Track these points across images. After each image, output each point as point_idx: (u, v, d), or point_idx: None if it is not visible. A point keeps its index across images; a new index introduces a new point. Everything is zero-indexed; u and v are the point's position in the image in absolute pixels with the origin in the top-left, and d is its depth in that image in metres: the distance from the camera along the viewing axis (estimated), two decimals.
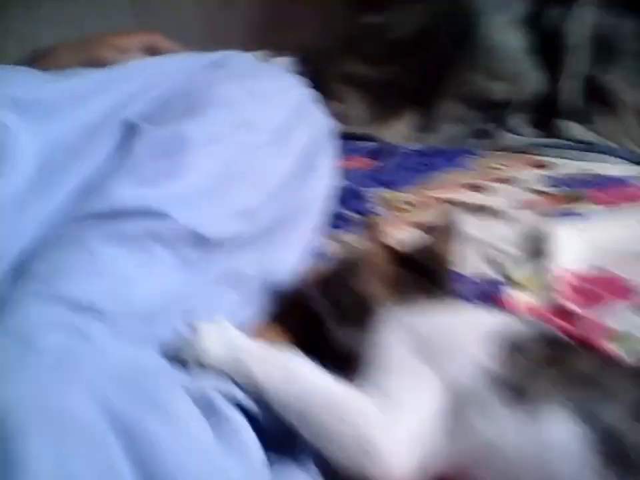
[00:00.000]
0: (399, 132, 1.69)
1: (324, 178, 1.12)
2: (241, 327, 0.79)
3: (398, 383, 0.71)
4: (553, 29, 1.61)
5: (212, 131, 0.90)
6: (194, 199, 0.83)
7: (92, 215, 0.78)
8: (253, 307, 0.90)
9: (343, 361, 0.76)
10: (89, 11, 1.93)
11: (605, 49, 1.55)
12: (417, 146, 1.62)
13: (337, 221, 1.23)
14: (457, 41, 1.68)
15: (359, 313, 0.82)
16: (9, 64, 1.01)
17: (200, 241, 0.82)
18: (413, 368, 0.71)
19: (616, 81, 1.53)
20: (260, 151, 0.96)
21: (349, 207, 1.29)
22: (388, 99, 1.74)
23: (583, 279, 1.02)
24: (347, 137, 1.69)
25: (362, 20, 1.81)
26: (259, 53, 1.98)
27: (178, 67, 1.04)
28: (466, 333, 0.73)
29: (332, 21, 1.92)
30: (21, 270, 0.73)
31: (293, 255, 1.00)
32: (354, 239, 1.15)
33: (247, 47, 1.99)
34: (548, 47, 1.61)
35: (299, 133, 1.04)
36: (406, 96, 1.73)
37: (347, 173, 1.46)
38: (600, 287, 1.01)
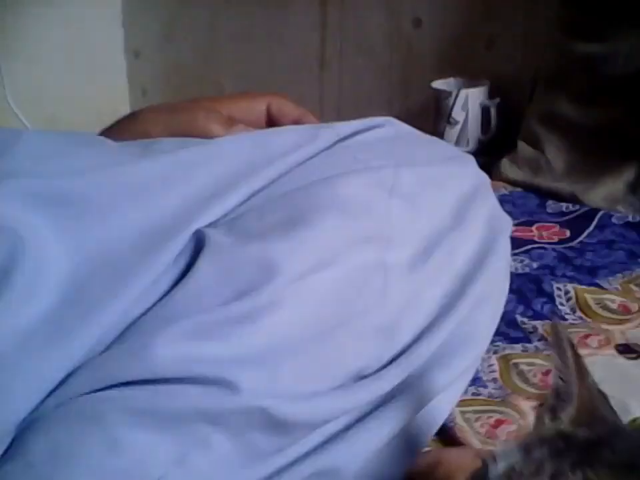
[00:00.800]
0: (611, 194, 1.32)
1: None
2: None
3: None
4: None
5: (319, 252, 0.62)
6: (271, 360, 0.56)
7: (117, 379, 0.53)
8: None
9: None
10: None
11: None
12: (632, 216, 1.25)
13: (509, 330, 0.91)
14: None
15: None
16: None
17: (274, 422, 0.55)
18: None
19: None
20: (395, 273, 0.66)
21: (528, 306, 0.97)
22: (600, 150, 1.38)
23: None
24: (539, 192, 1.37)
25: (576, 48, 1.45)
26: (449, 80, 1.70)
27: (294, 145, 0.72)
28: None
29: (537, 46, 1.59)
30: (14, 452, 0.49)
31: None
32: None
33: (436, 72, 1.73)
34: None
35: (462, 242, 0.73)
36: (626, 147, 1.35)
37: (533, 249, 1.14)
38: None
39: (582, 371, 0.52)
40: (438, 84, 1.68)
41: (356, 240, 0.64)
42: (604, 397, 0.53)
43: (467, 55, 1.77)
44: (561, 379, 0.53)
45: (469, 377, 0.77)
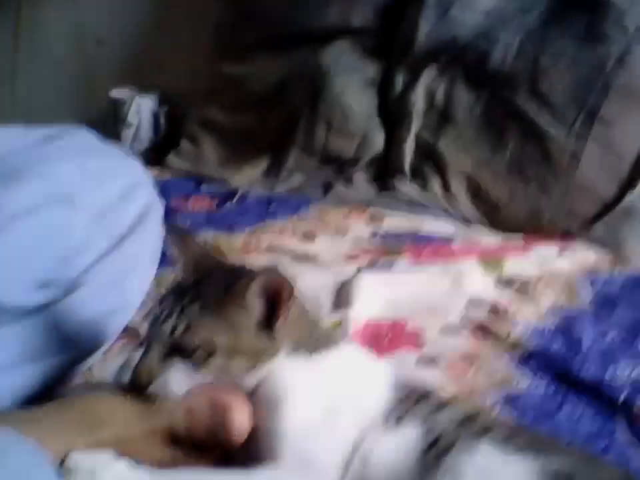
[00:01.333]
0: (248, 178, 1.74)
1: (147, 246, 1.13)
2: None
3: None
4: (396, 95, 1.71)
5: (26, 200, 0.92)
6: None
7: None
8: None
9: None
10: None
11: (440, 116, 1.66)
12: (263, 193, 1.67)
13: (165, 261, 1.26)
14: (309, 98, 1.75)
15: None
16: None
17: None
18: None
19: (447, 146, 1.63)
20: (76, 227, 0.97)
21: None
22: (241, 146, 1.80)
23: (377, 326, 1.09)
24: (198, 179, 1.74)
25: (224, 69, 1.87)
26: (125, 91, 2.03)
27: (7, 138, 1.04)
28: None
29: (198, 66, 1.97)
30: None
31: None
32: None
33: (115, 84, 2.04)
34: (390, 111, 1.71)
35: (126, 214, 1.06)
36: (258, 145, 1.79)
37: (187, 215, 1.51)
38: (392, 335, 1.08)
39: (187, 240, 0.86)
40: (115, 93, 2.01)
41: (53, 198, 0.96)
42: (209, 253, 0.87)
43: (141, 70, 2.12)
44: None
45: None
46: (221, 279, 0.79)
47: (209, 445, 0.76)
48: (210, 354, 0.75)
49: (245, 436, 0.76)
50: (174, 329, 0.75)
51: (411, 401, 0.79)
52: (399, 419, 0.77)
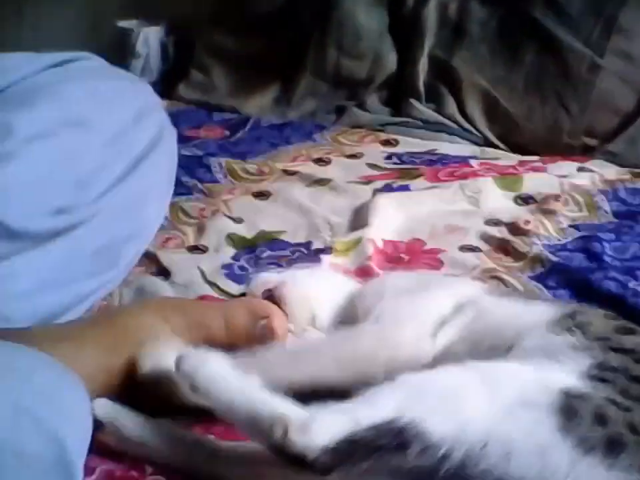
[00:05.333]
0: (260, 105, 1.72)
1: (162, 170, 1.12)
2: None
3: None
4: (408, 11, 1.67)
5: (41, 124, 0.91)
6: (7, 190, 0.84)
7: None
8: None
9: None
10: None
11: (454, 32, 1.62)
12: (275, 119, 1.65)
13: (180, 189, 1.25)
14: (318, 19, 1.71)
15: None
16: None
17: (7, 233, 0.83)
18: None
19: (462, 63, 1.59)
20: (91, 151, 0.96)
21: (193, 175, 1.32)
22: (251, 73, 1.77)
23: (396, 246, 1.08)
24: (209, 108, 1.72)
25: None
26: (132, 22, 1.99)
27: (19, 64, 1.01)
28: None
29: None
30: None
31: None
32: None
33: (122, 16, 1.99)
34: (402, 29, 1.67)
35: (140, 137, 1.04)
36: (269, 71, 1.75)
37: (200, 143, 1.49)
38: (411, 255, 1.07)
39: None
40: (123, 24, 1.97)
41: (67, 122, 0.94)
42: None
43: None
44: None
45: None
46: None
47: None
48: None
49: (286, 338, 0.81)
50: None
51: None
52: None
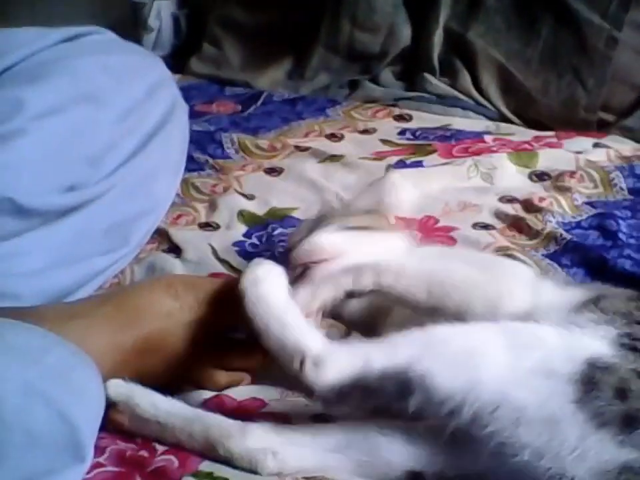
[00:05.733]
0: (272, 79, 1.70)
1: (174, 146, 1.12)
2: None
3: None
4: None
5: (51, 100, 0.90)
6: (17, 166, 0.84)
7: None
8: None
9: None
10: None
11: (469, 4, 1.59)
12: (287, 94, 1.63)
13: (192, 165, 1.25)
14: None
15: None
16: None
17: (18, 210, 0.83)
18: None
19: (477, 37, 1.57)
20: (103, 127, 0.96)
21: (205, 151, 1.31)
22: (264, 47, 1.74)
23: (410, 221, 1.07)
24: (221, 82, 1.70)
25: None
26: None
27: (30, 40, 1.00)
28: None
29: None
30: None
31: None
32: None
33: None
34: (416, 1, 1.64)
35: (152, 112, 1.04)
36: (281, 44, 1.73)
37: (212, 118, 1.49)
38: (425, 231, 1.07)
39: None
40: None
41: (78, 98, 0.93)
42: None
43: None
44: None
45: None
46: None
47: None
48: None
49: None
50: None
51: None
52: None
